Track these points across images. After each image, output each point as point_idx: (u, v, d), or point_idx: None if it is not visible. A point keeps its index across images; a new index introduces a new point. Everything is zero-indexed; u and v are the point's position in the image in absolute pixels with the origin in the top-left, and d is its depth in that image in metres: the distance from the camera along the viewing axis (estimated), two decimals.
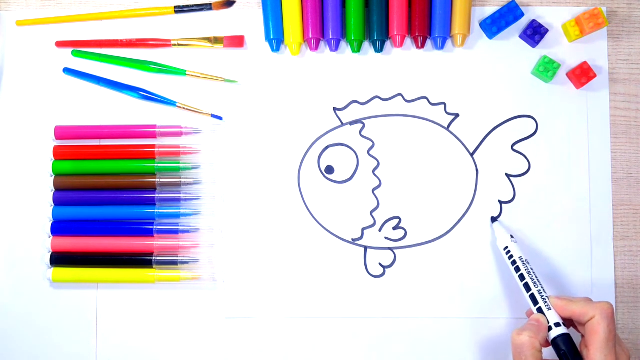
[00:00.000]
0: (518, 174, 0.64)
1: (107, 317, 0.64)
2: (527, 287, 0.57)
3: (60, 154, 0.64)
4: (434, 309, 0.63)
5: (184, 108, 0.64)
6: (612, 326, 0.52)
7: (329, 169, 0.64)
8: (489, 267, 0.63)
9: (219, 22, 0.66)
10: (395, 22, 0.63)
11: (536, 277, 0.57)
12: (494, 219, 0.63)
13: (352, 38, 0.63)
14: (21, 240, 0.64)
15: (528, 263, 0.58)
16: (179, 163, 0.63)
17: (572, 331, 0.55)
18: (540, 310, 0.55)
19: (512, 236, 0.61)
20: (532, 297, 0.56)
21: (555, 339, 0.53)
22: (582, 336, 0.54)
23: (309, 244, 0.64)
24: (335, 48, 0.64)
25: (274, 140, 0.65)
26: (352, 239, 0.64)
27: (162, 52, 0.65)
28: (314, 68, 0.65)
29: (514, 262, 0.59)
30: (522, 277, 0.58)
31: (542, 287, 0.56)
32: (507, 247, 0.60)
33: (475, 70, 0.65)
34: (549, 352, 0.54)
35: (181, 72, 0.65)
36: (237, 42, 0.65)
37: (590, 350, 0.52)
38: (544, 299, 0.56)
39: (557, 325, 0.54)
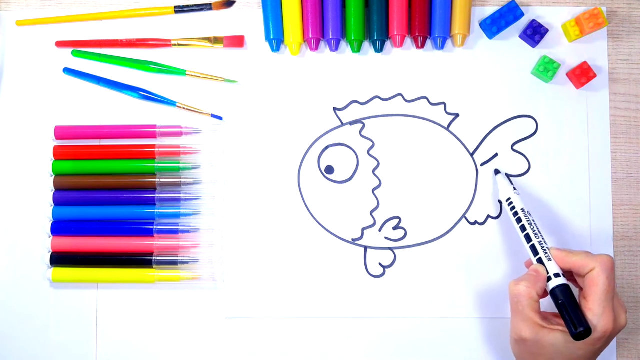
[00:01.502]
0: (518, 174, 0.64)
1: (107, 317, 0.64)
2: (528, 238, 0.56)
3: (60, 154, 0.64)
4: (434, 309, 0.63)
5: (184, 108, 0.64)
6: (611, 279, 0.52)
7: (329, 169, 0.64)
8: (489, 267, 0.63)
9: (219, 22, 0.66)
10: (395, 22, 0.63)
11: (537, 229, 0.57)
12: (497, 172, 0.63)
13: (352, 38, 0.63)
14: (21, 240, 0.64)
15: (530, 215, 0.58)
16: (179, 163, 0.63)
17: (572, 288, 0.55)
18: (540, 261, 0.55)
19: (515, 188, 0.61)
20: (533, 247, 0.56)
21: (553, 289, 0.53)
22: (581, 290, 0.54)
23: (309, 244, 0.64)
24: (335, 48, 0.64)
25: (274, 140, 0.65)
26: (352, 239, 0.64)
27: (162, 52, 0.65)
28: (314, 68, 0.65)
29: (515, 214, 0.59)
30: (523, 228, 0.57)
31: (543, 239, 0.56)
32: (509, 199, 0.60)
33: (475, 70, 0.65)
34: (548, 304, 0.54)
35: (181, 72, 0.65)
36: (237, 42, 0.65)
37: (589, 301, 0.51)
38: (544, 249, 0.55)
39: (557, 275, 0.53)
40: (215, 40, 0.65)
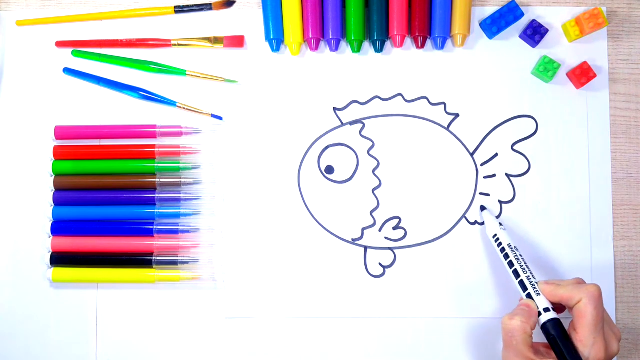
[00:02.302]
0: (518, 174, 0.64)
1: (107, 317, 0.64)
2: (516, 274, 0.57)
3: (60, 154, 0.64)
4: (434, 309, 0.63)
5: (184, 108, 0.64)
6: (599, 309, 0.52)
7: (329, 169, 0.64)
8: (489, 267, 0.63)
9: (219, 22, 0.66)
10: (395, 22, 0.63)
11: (525, 264, 0.57)
12: (483, 208, 0.64)
13: (352, 38, 0.63)
14: (21, 240, 0.64)
15: (517, 250, 0.58)
16: (179, 163, 0.63)
17: (565, 313, 0.55)
18: (529, 296, 0.55)
19: (500, 224, 0.61)
20: (521, 283, 0.56)
21: (545, 324, 0.53)
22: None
23: (309, 244, 0.64)
24: (335, 48, 0.64)
25: (274, 140, 0.65)
26: (352, 239, 0.64)
27: (162, 52, 0.65)
28: (314, 68, 0.65)
29: (502, 250, 0.59)
30: (511, 264, 0.58)
31: (531, 273, 0.56)
32: (495, 235, 0.60)
33: (475, 70, 0.65)
34: (537, 335, 0.54)
35: (181, 72, 0.65)
36: (237, 42, 0.65)
37: (579, 333, 0.52)
38: (532, 284, 0.55)
39: (546, 310, 0.54)
40: (215, 40, 0.65)
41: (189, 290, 0.64)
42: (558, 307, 0.55)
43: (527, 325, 0.53)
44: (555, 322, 0.53)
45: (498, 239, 0.60)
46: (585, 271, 0.63)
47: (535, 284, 0.56)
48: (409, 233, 0.64)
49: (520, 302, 0.56)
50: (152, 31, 0.66)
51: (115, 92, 0.65)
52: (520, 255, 0.58)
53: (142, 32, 0.66)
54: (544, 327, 0.53)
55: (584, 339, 0.51)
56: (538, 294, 0.55)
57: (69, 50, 0.66)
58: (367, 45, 0.65)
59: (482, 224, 0.64)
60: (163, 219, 0.63)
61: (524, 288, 0.56)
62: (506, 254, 0.58)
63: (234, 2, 0.66)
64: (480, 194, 0.64)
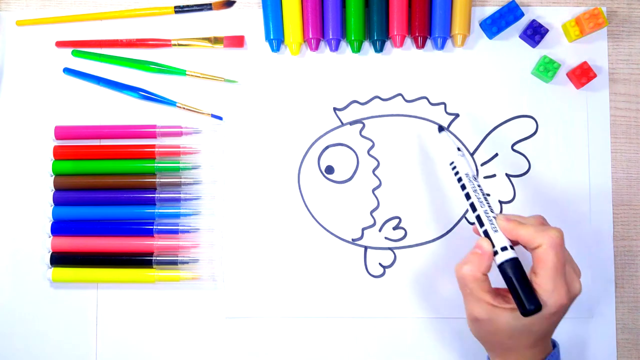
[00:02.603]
0: (518, 174, 0.64)
1: (107, 317, 0.64)
2: (473, 207, 0.52)
3: (60, 154, 0.64)
4: (434, 309, 0.63)
5: (184, 108, 0.64)
6: (560, 255, 0.48)
7: (329, 169, 0.64)
8: None
9: (219, 22, 0.66)
10: (395, 22, 0.63)
11: (483, 196, 0.52)
12: (441, 128, 0.59)
13: (352, 38, 0.63)
14: (21, 240, 0.64)
15: (475, 179, 0.54)
16: (179, 163, 0.63)
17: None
18: (486, 233, 0.51)
19: (459, 149, 0.56)
20: (478, 218, 0.52)
21: (502, 264, 0.49)
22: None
23: (309, 244, 0.64)
24: (335, 48, 0.64)
25: (274, 140, 0.65)
26: (352, 239, 0.64)
27: (162, 52, 0.65)
28: (314, 68, 0.65)
29: (459, 179, 0.54)
30: (467, 196, 0.53)
31: (489, 207, 0.51)
32: (452, 162, 0.55)
33: (475, 70, 0.65)
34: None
35: (181, 72, 0.65)
36: (237, 42, 0.65)
37: (539, 277, 0.49)
38: (490, 220, 0.51)
39: (504, 249, 0.49)
40: (215, 40, 0.65)
41: (189, 290, 0.64)
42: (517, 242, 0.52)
43: (477, 272, 0.50)
44: (512, 262, 0.49)
45: (455, 167, 0.55)
46: (586, 271, 0.63)
47: (494, 219, 0.51)
48: (409, 233, 0.64)
49: (475, 244, 0.51)
50: (152, 31, 0.66)
51: (115, 92, 0.65)
52: (479, 187, 0.53)
53: (142, 32, 0.66)
54: (501, 267, 0.49)
55: (544, 284, 0.48)
56: (496, 231, 0.50)
57: (69, 50, 0.66)
58: (367, 45, 0.65)
59: None
60: (163, 219, 0.63)
61: (482, 224, 0.51)
62: (463, 184, 0.54)
63: (234, 2, 0.66)
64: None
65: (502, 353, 0.53)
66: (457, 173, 0.55)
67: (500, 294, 0.51)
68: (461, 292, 0.52)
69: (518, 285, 0.48)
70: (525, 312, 0.48)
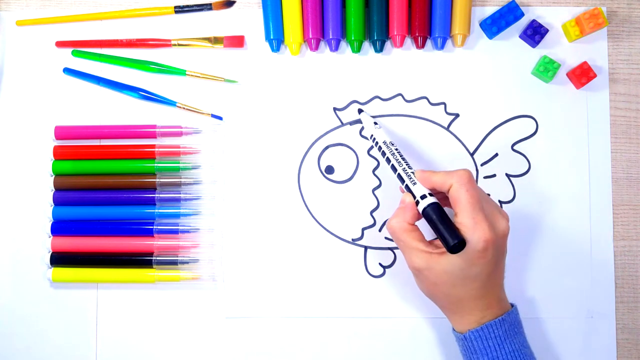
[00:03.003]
0: (518, 174, 0.64)
1: (107, 317, 0.64)
2: (394, 169, 0.57)
3: (60, 154, 0.64)
4: (434, 309, 0.63)
5: (184, 108, 0.64)
6: (472, 191, 0.51)
7: (329, 169, 0.64)
8: None
9: (219, 22, 0.66)
10: (395, 22, 0.63)
11: (401, 157, 0.57)
12: (360, 110, 0.64)
13: (352, 38, 0.63)
14: (21, 240, 0.64)
15: (393, 145, 0.58)
16: (179, 163, 0.63)
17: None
18: (407, 187, 0.55)
19: (376, 123, 0.61)
20: (399, 177, 0.56)
21: (424, 211, 0.53)
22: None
23: (309, 244, 0.64)
24: (335, 48, 0.64)
25: (274, 140, 0.65)
26: (352, 239, 0.64)
27: (162, 52, 0.65)
28: (314, 68, 0.65)
29: (380, 148, 0.59)
30: (388, 160, 0.57)
31: (407, 165, 0.56)
32: (372, 135, 0.60)
33: (475, 70, 0.65)
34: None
35: (181, 72, 0.65)
36: (237, 42, 0.65)
37: (458, 216, 0.51)
38: (408, 175, 0.55)
39: (423, 197, 0.53)
40: (215, 40, 0.65)
41: (189, 290, 0.64)
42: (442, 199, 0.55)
43: (403, 222, 0.53)
44: (433, 206, 0.52)
45: (374, 138, 0.60)
46: (586, 271, 0.63)
47: (412, 174, 0.55)
48: None
49: (400, 200, 0.55)
50: (152, 31, 0.66)
51: (115, 92, 0.65)
52: (397, 150, 0.58)
53: (142, 32, 0.66)
54: (425, 213, 0.53)
55: (464, 221, 0.51)
56: (415, 184, 0.54)
57: (69, 50, 0.66)
58: (367, 45, 0.65)
59: None
60: (163, 219, 0.63)
61: (402, 180, 0.56)
62: (383, 151, 0.58)
63: (234, 2, 0.66)
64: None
65: (454, 307, 0.54)
66: (377, 143, 0.60)
67: (433, 244, 0.54)
68: (399, 248, 0.54)
69: (440, 224, 0.51)
70: (451, 248, 0.50)
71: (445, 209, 0.53)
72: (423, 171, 0.55)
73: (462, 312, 0.54)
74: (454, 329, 0.56)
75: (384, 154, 0.58)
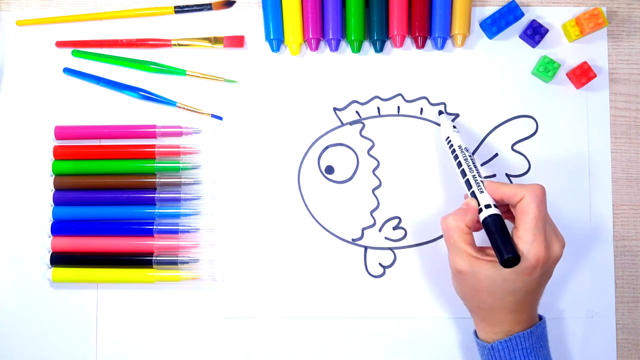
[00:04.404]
0: (518, 174, 0.64)
1: (107, 317, 0.64)
2: (464, 174, 0.56)
3: (60, 154, 0.64)
4: (434, 309, 0.63)
5: (184, 108, 0.64)
6: (542, 207, 0.51)
7: (329, 169, 0.64)
8: None
9: (219, 22, 0.66)
10: (395, 22, 0.63)
11: (473, 164, 0.56)
12: (440, 112, 0.64)
13: (352, 38, 0.63)
14: (21, 240, 0.64)
15: (467, 151, 0.58)
16: (179, 163, 0.63)
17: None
18: (473, 194, 0.54)
19: (454, 126, 0.61)
20: (467, 182, 0.56)
21: (485, 220, 0.52)
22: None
23: (309, 244, 0.64)
24: (335, 48, 0.64)
25: (274, 140, 0.65)
26: (352, 239, 0.64)
27: (162, 52, 0.65)
28: (314, 68, 0.65)
29: (453, 151, 0.59)
30: (459, 165, 0.57)
31: (477, 173, 0.56)
32: (448, 137, 0.60)
33: (475, 70, 0.65)
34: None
35: (181, 72, 0.65)
36: (237, 42, 0.65)
37: (520, 230, 0.51)
38: (477, 182, 0.55)
39: (488, 207, 0.53)
40: (215, 40, 0.65)
41: (189, 290, 0.64)
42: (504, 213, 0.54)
43: (461, 223, 0.53)
44: (495, 217, 0.52)
45: (450, 140, 0.60)
46: (586, 271, 0.63)
47: (481, 182, 0.55)
48: (409, 233, 0.64)
49: (463, 202, 0.55)
50: (152, 31, 0.66)
51: (115, 92, 0.65)
52: (470, 157, 0.57)
53: (142, 32, 0.66)
54: (485, 223, 0.52)
55: (524, 235, 0.51)
56: (481, 191, 0.54)
57: (69, 50, 0.66)
58: (367, 45, 0.65)
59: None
60: (163, 219, 0.63)
61: (470, 186, 0.55)
62: (456, 154, 0.58)
63: (234, 2, 0.66)
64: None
65: (485, 315, 0.54)
66: (451, 146, 0.59)
67: (483, 250, 0.54)
68: (446, 245, 0.54)
69: (498, 236, 0.51)
70: (504, 261, 0.50)
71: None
72: (492, 182, 0.54)
73: (492, 321, 0.54)
74: (476, 334, 0.56)
75: (456, 157, 0.58)
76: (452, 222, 0.53)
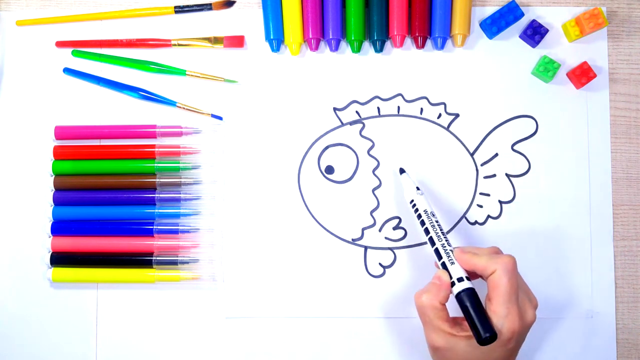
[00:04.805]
0: (518, 174, 0.64)
1: (107, 317, 0.64)
2: (432, 242, 0.56)
3: (60, 154, 0.64)
4: None
5: (184, 108, 0.64)
6: (513, 280, 0.51)
7: (329, 169, 0.64)
8: None
9: (219, 22, 0.66)
10: (395, 22, 0.63)
11: (440, 231, 0.56)
12: (402, 171, 0.63)
13: (352, 38, 0.63)
14: (21, 240, 0.64)
15: (433, 216, 0.57)
16: (179, 163, 0.63)
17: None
18: (444, 265, 0.54)
19: (418, 188, 0.60)
20: (437, 251, 0.55)
21: (458, 295, 0.52)
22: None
23: (309, 244, 0.64)
24: (335, 48, 0.64)
25: (274, 140, 0.65)
26: (352, 239, 0.64)
27: (162, 52, 0.65)
28: (314, 68, 0.65)
29: (419, 216, 0.58)
30: (427, 232, 0.56)
31: (446, 241, 0.55)
32: (412, 200, 0.59)
33: (475, 70, 0.65)
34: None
35: (181, 72, 0.65)
36: (237, 42, 0.65)
37: (493, 304, 0.51)
38: (447, 253, 0.54)
39: (460, 280, 0.52)
40: (215, 40, 0.65)
41: (189, 290, 0.64)
42: (475, 275, 0.54)
43: (435, 301, 0.52)
44: (468, 292, 0.52)
45: (415, 204, 0.59)
46: (586, 271, 0.63)
47: (451, 252, 0.54)
48: (409, 233, 0.64)
49: (434, 275, 0.54)
50: (152, 31, 0.66)
51: (115, 92, 0.65)
52: (437, 222, 0.56)
53: (142, 32, 0.66)
54: (458, 297, 0.52)
55: (497, 309, 0.51)
56: (452, 263, 0.53)
57: (69, 50, 0.66)
58: (367, 45, 0.65)
59: (482, 223, 0.64)
60: (163, 219, 0.63)
61: (440, 256, 0.55)
62: (422, 220, 0.57)
63: (234, 2, 0.66)
64: (480, 194, 0.64)
65: None
66: (416, 210, 0.58)
67: (458, 323, 0.53)
68: (421, 321, 0.54)
69: (474, 313, 0.51)
70: (481, 341, 0.50)
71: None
72: (462, 251, 0.54)
73: None
74: None
75: (422, 223, 0.57)
76: (426, 300, 0.53)
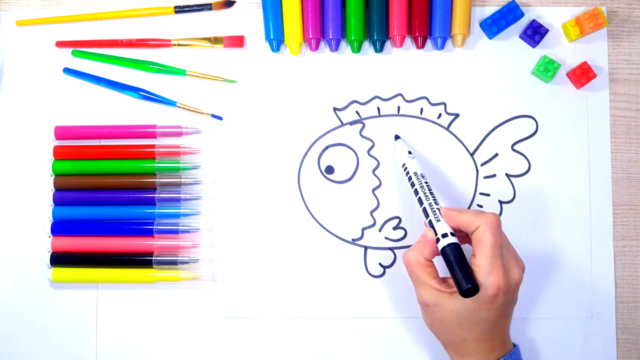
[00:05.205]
0: (518, 174, 0.64)
1: (107, 317, 0.64)
2: (420, 201, 0.57)
3: (60, 154, 0.64)
4: None
5: (184, 108, 0.64)
6: (497, 235, 0.52)
7: (329, 169, 0.64)
8: None
9: (219, 22, 0.66)
10: (395, 22, 0.63)
11: (429, 192, 0.57)
12: (397, 137, 0.64)
13: (352, 38, 0.63)
14: (21, 240, 0.64)
15: (423, 177, 0.58)
16: (179, 163, 0.63)
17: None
18: (431, 223, 0.55)
19: (410, 152, 0.61)
20: (424, 210, 0.56)
21: (443, 249, 0.53)
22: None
23: (309, 244, 0.64)
24: (335, 48, 0.64)
25: (274, 140, 0.65)
26: (352, 239, 0.64)
27: (162, 52, 0.65)
28: (314, 68, 0.65)
29: (410, 178, 0.59)
30: (416, 192, 0.58)
31: (433, 201, 0.56)
32: (404, 164, 0.60)
33: (475, 70, 0.65)
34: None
35: (181, 72, 0.65)
36: (237, 42, 0.65)
37: (477, 259, 0.52)
38: (433, 211, 0.55)
39: (445, 236, 0.53)
40: (215, 40, 0.65)
41: (189, 290, 0.64)
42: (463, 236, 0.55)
43: (420, 257, 0.54)
44: (453, 246, 0.52)
45: (406, 167, 0.60)
46: (586, 271, 0.63)
47: (437, 210, 0.55)
48: (409, 233, 0.64)
49: (422, 233, 0.55)
50: (152, 31, 0.66)
51: (115, 92, 0.65)
52: (426, 183, 0.58)
53: (142, 32, 0.66)
54: (443, 252, 0.53)
55: (481, 264, 0.51)
56: (438, 220, 0.54)
57: (69, 50, 0.66)
58: (367, 45, 0.65)
59: None
60: (163, 219, 0.63)
61: (427, 215, 0.56)
62: (412, 182, 0.58)
63: (234, 2, 0.66)
64: (480, 194, 0.64)
65: (457, 347, 0.54)
66: (407, 172, 0.59)
67: (446, 282, 0.54)
68: (411, 280, 0.55)
69: (456, 266, 0.51)
70: (463, 292, 0.50)
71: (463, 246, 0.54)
72: (449, 209, 0.55)
73: (464, 352, 0.54)
74: None
75: (412, 184, 0.58)
76: (412, 257, 0.54)
